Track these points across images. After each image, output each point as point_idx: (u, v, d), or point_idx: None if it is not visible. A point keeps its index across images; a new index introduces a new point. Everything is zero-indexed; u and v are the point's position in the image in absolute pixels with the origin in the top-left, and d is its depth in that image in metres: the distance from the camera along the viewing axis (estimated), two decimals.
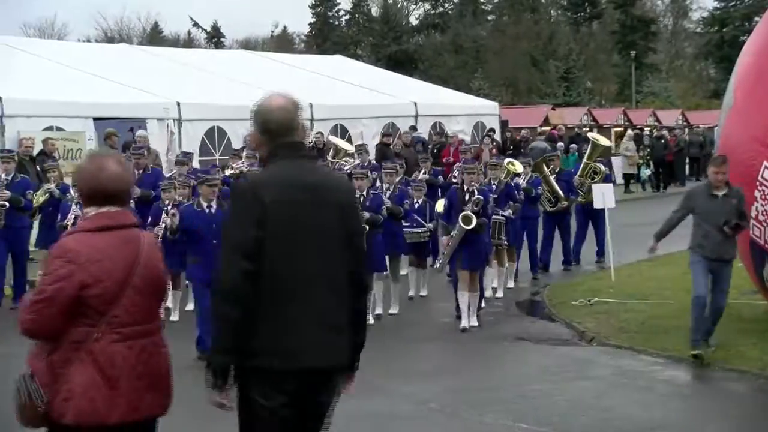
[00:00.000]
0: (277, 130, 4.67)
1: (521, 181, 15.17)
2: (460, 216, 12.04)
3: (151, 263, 4.60)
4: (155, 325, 4.66)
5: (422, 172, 16.69)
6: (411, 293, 14.44)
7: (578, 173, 17.28)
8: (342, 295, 4.64)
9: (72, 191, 14.09)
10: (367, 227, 12.40)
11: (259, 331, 4.50)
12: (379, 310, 13.09)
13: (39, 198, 14.33)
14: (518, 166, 15.11)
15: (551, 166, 16.82)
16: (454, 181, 16.39)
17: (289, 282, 4.51)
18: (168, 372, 4.67)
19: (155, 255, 4.67)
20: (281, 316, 4.51)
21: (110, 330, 4.44)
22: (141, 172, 14.89)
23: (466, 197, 12.23)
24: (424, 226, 14.03)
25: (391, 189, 13.58)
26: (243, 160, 16.92)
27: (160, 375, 4.61)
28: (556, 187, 16.51)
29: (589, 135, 20.73)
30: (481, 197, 12.21)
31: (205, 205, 10.91)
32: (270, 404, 4.51)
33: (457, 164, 17.71)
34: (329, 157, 18.66)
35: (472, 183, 12.36)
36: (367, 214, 12.42)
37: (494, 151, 23.21)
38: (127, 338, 4.47)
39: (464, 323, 12.26)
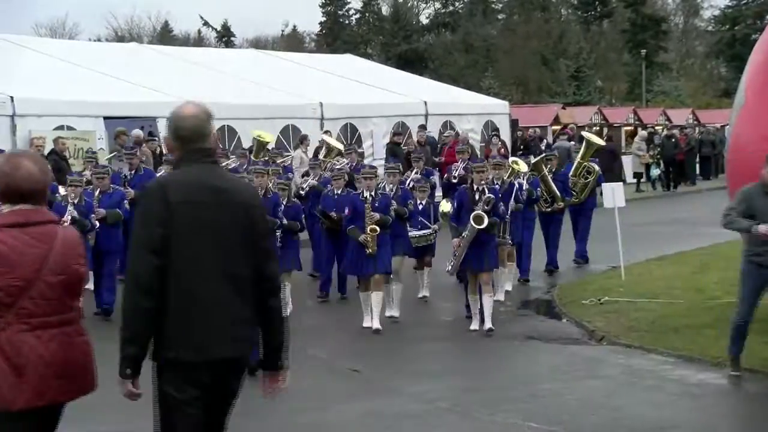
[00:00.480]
0: (189, 136, 4.95)
1: (523, 182, 14.90)
2: (471, 215, 11.85)
3: (65, 259, 4.77)
4: (69, 316, 4.81)
5: (414, 171, 16.19)
6: (421, 294, 14.29)
7: (571, 172, 16.95)
8: (246, 292, 4.91)
9: (61, 190, 13.97)
10: (378, 229, 12.32)
11: (168, 325, 4.79)
12: (392, 312, 12.94)
13: None
14: (523, 166, 14.85)
15: (548, 166, 16.41)
16: (453, 180, 16.14)
17: (194, 278, 4.80)
18: (83, 361, 4.84)
19: (72, 251, 4.84)
20: (188, 311, 4.79)
21: (18, 320, 4.61)
22: (133, 172, 14.69)
23: (476, 196, 12.06)
24: (430, 228, 13.86)
25: (395, 189, 13.40)
26: (231, 159, 17.06)
27: (72, 363, 4.76)
28: (554, 187, 16.14)
29: (583, 134, 20.03)
30: (492, 196, 12.04)
31: None
32: (182, 396, 4.79)
33: (455, 164, 17.42)
34: (321, 156, 18.34)
35: (482, 182, 12.20)
36: (377, 215, 12.30)
37: (502, 150, 23.11)
38: (35, 328, 4.64)
39: (474, 325, 12.12)
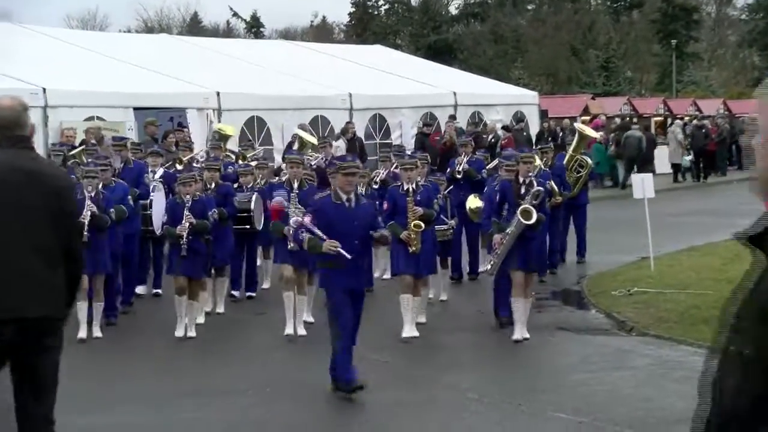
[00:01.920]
0: (6, 125, 5.61)
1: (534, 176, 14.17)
2: (519, 210, 10.90)
3: None
4: None
5: (394, 167, 14.54)
6: (431, 295, 13.32)
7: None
8: (53, 262, 5.59)
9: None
10: (423, 224, 11.41)
11: None
12: (420, 319, 11.89)
13: None
14: (536, 160, 14.37)
15: (544, 159, 15.26)
16: (458, 176, 15.00)
17: (2, 248, 5.48)
18: None
19: None
20: None
21: None
22: (122, 165, 13.86)
23: (522, 189, 11.16)
24: (447, 223, 13.12)
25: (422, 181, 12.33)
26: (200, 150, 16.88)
27: None
28: (551, 181, 14.73)
29: (576, 126, 18.78)
30: (541, 189, 11.15)
31: (344, 197, 9.10)
32: None
33: (458, 158, 16.40)
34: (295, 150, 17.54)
35: (529, 174, 11.30)
36: (420, 210, 11.43)
37: (503, 143, 22.81)
38: None
39: (517, 334, 11.07)
